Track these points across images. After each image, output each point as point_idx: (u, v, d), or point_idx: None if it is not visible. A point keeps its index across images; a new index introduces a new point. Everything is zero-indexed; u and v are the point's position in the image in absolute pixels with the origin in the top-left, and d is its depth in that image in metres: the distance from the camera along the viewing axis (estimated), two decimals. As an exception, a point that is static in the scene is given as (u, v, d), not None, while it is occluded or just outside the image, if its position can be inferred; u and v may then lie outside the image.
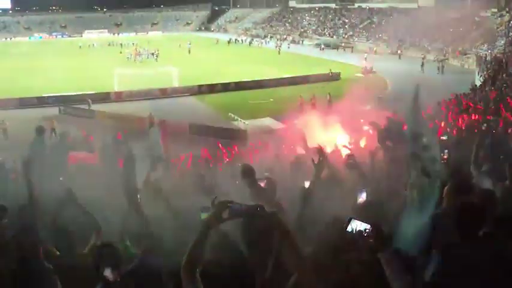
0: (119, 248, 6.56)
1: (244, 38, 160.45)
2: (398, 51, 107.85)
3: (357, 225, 5.30)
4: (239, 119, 51.55)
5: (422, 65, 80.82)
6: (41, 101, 62.00)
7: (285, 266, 4.89)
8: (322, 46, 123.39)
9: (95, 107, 58.26)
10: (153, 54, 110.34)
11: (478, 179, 9.72)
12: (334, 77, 74.60)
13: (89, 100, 60.28)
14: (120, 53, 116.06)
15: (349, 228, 5.29)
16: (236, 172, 14.55)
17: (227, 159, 25.45)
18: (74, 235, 7.75)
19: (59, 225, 8.03)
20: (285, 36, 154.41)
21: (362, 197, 7.46)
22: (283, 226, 4.87)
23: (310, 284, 4.73)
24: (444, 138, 15.36)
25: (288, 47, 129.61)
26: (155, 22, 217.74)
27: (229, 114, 53.51)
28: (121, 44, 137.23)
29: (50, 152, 17.11)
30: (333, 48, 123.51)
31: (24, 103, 61.03)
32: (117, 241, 7.28)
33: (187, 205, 8.36)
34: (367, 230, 5.22)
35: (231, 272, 5.26)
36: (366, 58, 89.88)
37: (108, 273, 6.22)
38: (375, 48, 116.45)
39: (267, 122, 50.35)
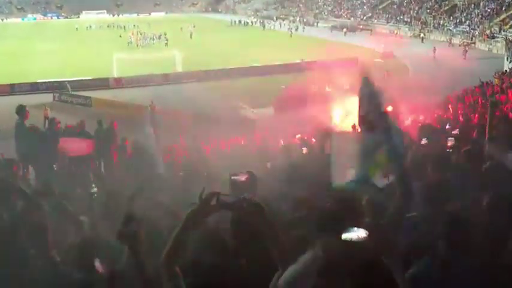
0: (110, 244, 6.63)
1: (254, 19, 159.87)
2: (421, 34, 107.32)
3: (352, 233, 5.38)
4: (247, 107, 51.52)
5: (435, 50, 79.77)
6: (34, 87, 62.03)
7: (271, 261, 4.96)
8: (345, 30, 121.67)
9: (93, 93, 58.19)
10: (159, 37, 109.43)
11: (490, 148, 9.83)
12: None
13: (68, 85, 60.36)
14: (120, 36, 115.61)
15: (344, 237, 5.36)
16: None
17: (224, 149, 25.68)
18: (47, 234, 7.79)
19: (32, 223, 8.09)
20: (298, 18, 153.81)
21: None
22: (268, 218, 4.93)
23: None
24: (455, 132, 15.23)
25: (303, 30, 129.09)
26: (158, 2, 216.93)
27: (237, 102, 53.44)
28: (124, 27, 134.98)
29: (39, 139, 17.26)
30: (351, 31, 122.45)
31: (15, 89, 61.12)
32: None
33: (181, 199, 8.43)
34: (363, 237, 5.30)
35: (214, 269, 5.35)
36: (383, 45, 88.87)
37: (97, 264, 6.30)
38: (395, 31, 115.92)
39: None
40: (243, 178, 6.53)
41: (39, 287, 6.31)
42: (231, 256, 5.72)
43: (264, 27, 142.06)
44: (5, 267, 6.66)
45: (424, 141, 13.43)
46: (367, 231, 5.35)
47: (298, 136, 24.63)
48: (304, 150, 12.52)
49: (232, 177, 6.58)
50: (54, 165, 16.67)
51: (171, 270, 4.75)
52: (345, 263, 4.58)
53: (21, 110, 17.65)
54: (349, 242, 5.22)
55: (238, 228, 5.55)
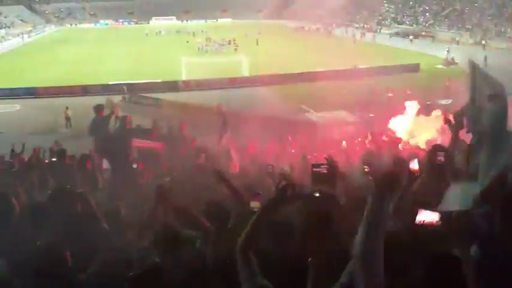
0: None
1: (318, 26, 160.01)
2: (483, 42, 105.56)
3: (426, 216, 5.35)
4: (311, 110, 51.40)
5: (485, 59, 74.56)
6: (106, 89, 62.33)
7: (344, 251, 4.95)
8: (411, 37, 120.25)
9: (162, 95, 58.70)
10: (229, 43, 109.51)
11: None
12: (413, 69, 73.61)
13: (124, 87, 60.83)
14: (187, 42, 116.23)
15: (418, 219, 5.33)
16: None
17: (293, 150, 25.63)
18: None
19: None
20: (361, 25, 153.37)
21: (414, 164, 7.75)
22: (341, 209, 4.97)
23: None
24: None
25: (367, 36, 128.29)
26: (225, 9, 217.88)
27: (301, 105, 53.38)
28: (193, 33, 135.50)
29: (112, 134, 17.52)
30: (415, 38, 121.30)
31: (88, 90, 62.02)
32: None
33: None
34: (436, 221, 5.27)
35: (283, 256, 5.38)
36: (448, 51, 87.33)
37: None
38: (457, 38, 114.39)
39: (341, 114, 50.01)
40: (324, 170, 6.55)
41: (115, 264, 6.40)
42: (301, 246, 5.75)
43: (329, 33, 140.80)
44: (89, 244, 6.84)
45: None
46: (440, 216, 5.32)
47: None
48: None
49: (314, 169, 6.60)
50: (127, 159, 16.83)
51: (247, 256, 4.83)
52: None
53: (99, 108, 17.97)
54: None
55: (313, 218, 5.56)
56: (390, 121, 24.76)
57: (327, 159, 7.45)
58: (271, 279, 4.90)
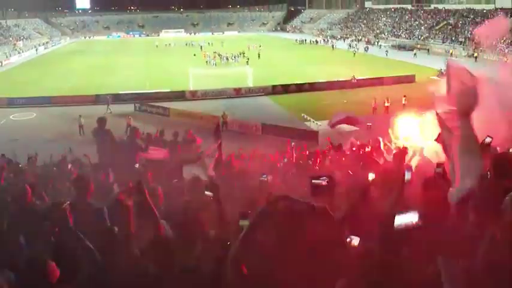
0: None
1: (319, 39, 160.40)
2: (475, 54, 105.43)
3: (404, 218, 5.27)
4: (312, 119, 51.32)
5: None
6: (117, 98, 62.25)
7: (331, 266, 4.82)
8: (414, 51, 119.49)
9: (170, 104, 58.63)
10: (238, 56, 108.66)
11: None
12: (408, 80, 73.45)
13: (108, 98, 59.91)
14: (194, 55, 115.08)
15: (397, 222, 5.25)
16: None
17: (292, 160, 25.37)
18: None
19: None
20: (360, 38, 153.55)
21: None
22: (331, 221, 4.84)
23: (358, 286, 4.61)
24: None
25: (367, 49, 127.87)
26: (231, 22, 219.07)
27: (302, 114, 53.32)
28: (201, 47, 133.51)
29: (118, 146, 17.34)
30: (409, 50, 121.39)
31: (101, 99, 61.57)
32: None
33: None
34: (415, 222, 5.19)
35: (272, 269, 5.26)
36: (446, 62, 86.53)
37: None
38: (451, 51, 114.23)
39: (340, 123, 50.02)
40: (323, 182, 6.43)
41: (118, 276, 6.28)
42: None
43: (332, 47, 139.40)
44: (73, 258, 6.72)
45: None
46: (418, 215, 5.23)
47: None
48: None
49: (313, 181, 6.47)
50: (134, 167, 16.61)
51: (238, 269, 4.68)
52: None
53: (101, 121, 17.65)
54: None
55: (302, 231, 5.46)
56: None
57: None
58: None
